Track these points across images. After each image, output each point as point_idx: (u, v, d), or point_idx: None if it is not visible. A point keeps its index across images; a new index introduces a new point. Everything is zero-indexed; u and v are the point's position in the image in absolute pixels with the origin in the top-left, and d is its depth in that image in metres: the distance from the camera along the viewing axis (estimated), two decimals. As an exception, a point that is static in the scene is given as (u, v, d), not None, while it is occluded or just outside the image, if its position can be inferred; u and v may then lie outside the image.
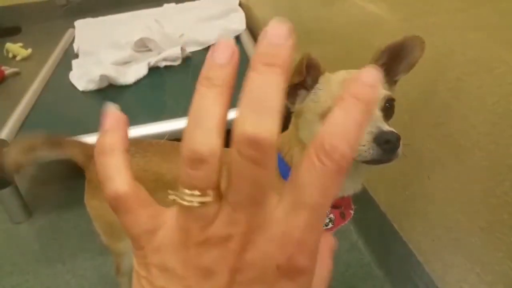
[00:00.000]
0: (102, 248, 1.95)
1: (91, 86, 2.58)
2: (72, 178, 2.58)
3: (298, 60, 0.88)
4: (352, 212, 1.08)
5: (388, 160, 0.83)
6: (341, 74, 0.92)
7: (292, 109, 0.97)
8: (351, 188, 0.99)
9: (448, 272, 1.30)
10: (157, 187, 1.22)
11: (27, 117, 2.35)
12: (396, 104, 0.89)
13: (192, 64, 2.83)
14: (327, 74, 0.92)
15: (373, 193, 1.71)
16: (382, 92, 0.87)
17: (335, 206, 1.02)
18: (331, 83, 0.90)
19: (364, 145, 0.82)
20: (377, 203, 1.64)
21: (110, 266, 1.85)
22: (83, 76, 2.64)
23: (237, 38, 3.04)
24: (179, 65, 2.79)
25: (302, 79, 0.90)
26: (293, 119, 1.00)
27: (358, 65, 0.89)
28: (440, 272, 1.35)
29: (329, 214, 1.02)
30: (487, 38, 0.94)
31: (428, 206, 1.31)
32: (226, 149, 0.31)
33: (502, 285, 1.04)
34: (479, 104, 0.98)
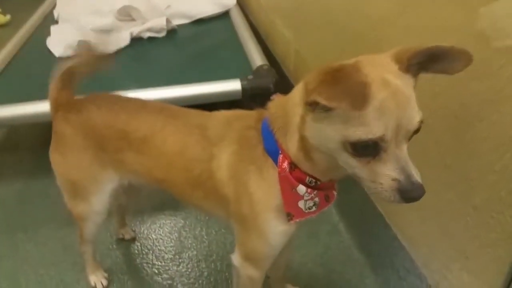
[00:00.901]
0: (68, 218, 1.85)
1: (69, 52, 2.45)
2: (41, 146, 2.46)
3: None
4: (335, 193, 0.99)
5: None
6: (380, 90, 0.71)
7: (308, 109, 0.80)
8: (341, 174, 0.90)
9: (434, 257, 1.23)
10: (121, 146, 1.14)
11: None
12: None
13: (177, 37, 2.73)
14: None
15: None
16: (417, 119, 0.74)
17: (321, 189, 0.94)
18: (368, 104, 0.70)
19: (386, 191, 0.74)
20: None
21: (75, 238, 1.74)
22: (61, 42, 2.51)
23: (227, 13, 2.94)
24: (163, 37, 2.68)
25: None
26: (303, 108, 0.82)
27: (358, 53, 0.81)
28: (425, 258, 1.28)
29: (315, 198, 0.94)
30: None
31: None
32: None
33: (494, 268, 0.97)
34: (482, 68, 0.90)
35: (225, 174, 1.01)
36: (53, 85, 1.23)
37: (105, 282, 1.57)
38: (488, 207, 0.96)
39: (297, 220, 0.95)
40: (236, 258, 1.10)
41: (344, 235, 1.74)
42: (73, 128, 1.18)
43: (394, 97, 0.71)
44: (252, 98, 1.98)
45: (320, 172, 0.89)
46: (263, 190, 0.95)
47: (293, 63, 2.27)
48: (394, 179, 0.73)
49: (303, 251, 1.67)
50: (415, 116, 0.73)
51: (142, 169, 1.15)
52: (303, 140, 0.85)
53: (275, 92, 0.98)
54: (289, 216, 0.94)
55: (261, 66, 2.10)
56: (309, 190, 0.91)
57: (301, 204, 0.93)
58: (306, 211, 0.94)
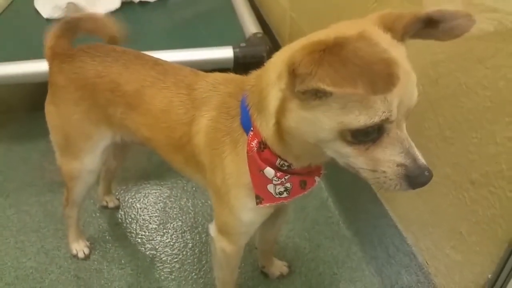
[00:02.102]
0: (52, 185, 1.80)
1: (57, 14, 2.40)
2: (24, 110, 2.40)
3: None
4: (317, 179, 0.90)
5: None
6: None
7: (292, 90, 0.67)
8: (319, 161, 0.84)
9: (426, 235, 1.19)
10: (112, 98, 1.08)
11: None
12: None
13: (169, 2, 2.65)
14: None
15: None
16: (417, 94, 0.67)
17: (296, 173, 0.85)
18: None
19: (392, 179, 0.67)
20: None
21: (58, 205, 1.71)
22: (49, 3, 2.45)
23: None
24: (155, 1, 2.60)
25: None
26: (286, 88, 0.69)
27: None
28: (416, 236, 1.24)
29: (286, 183, 0.85)
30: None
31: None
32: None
33: (489, 247, 0.93)
34: (491, 34, 0.84)
35: (202, 141, 0.95)
36: (51, 32, 1.18)
37: (87, 251, 1.53)
38: (487, 182, 0.91)
39: (267, 204, 0.88)
40: (212, 229, 1.06)
41: (333, 211, 1.70)
42: (66, 78, 1.13)
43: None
44: (244, 66, 1.92)
45: (295, 158, 0.81)
46: (236, 164, 0.88)
47: (288, 31, 2.20)
48: (399, 165, 0.66)
49: (290, 226, 1.64)
50: (415, 91, 0.67)
51: (132, 125, 1.10)
52: (280, 126, 0.75)
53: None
54: (258, 199, 0.87)
55: (254, 34, 2.06)
56: (278, 174, 0.83)
57: (270, 188, 0.85)
58: (277, 196, 0.87)
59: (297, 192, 0.88)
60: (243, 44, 1.98)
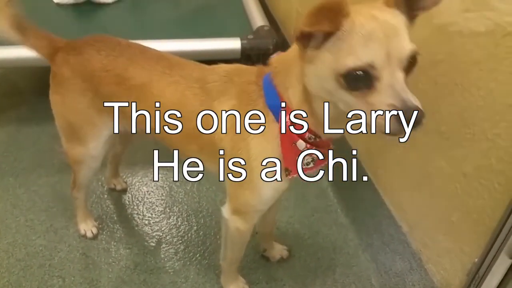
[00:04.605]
0: (60, 166, 1.86)
1: (66, 0, 2.42)
2: (34, 93, 2.44)
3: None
4: (331, 152, 1.00)
5: (405, 134, 0.74)
6: (368, 21, 0.74)
7: (302, 52, 0.82)
8: (340, 127, 0.91)
9: (420, 224, 1.27)
10: (118, 91, 1.13)
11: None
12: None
13: (178, -8, 2.69)
14: (351, 19, 0.74)
15: (349, 138, 1.65)
16: (409, 47, 0.75)
17: (319, 146, 0.95)
18: (354, 34, 0.74)
19: (383, 119, 0.73)
20: (352, 149, 1.59)
21: (66, 185, 1.75)
22: (60, -12, 2.48)
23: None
24: (164, -10, 2.64)
25: (319, 29, 0.75)
26: (300, 58, 0.84)
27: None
28: (411, 225, 1.31)
29: (313, 154, 0.95)
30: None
31: (408, 153, 1.25)
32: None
33: (477, 235, 1.00)
34: (486, 37, 0.91)
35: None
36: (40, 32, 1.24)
37: (95, 231, 1.59)
38: (478, 174, 0.98)
39: (295, 175, 0.97)
40: (226, 211, 1.13)
41: (332, 199, 1.77)
42: (73, 70, 1.17)
43: (381, 27, 0.73)
44: (250, 58, 1.98)
45: (321, 126, 0.90)
46: (261, 145, 0.96)
47: (294, 25, 2.23)
48: (389, 105, 0.73)
49: (291, 212, 1.70)
50: (405, 45, 0.74)
51: (137, 117, 1.15)
52: (305, 90, 0.86)
53: (273, 54, 0.99)
54: (287, 171, 0.96)
55: (261, 27, 2.10)
56: (308, 145, 0.92)
57: (300, 159, 0.95)
58: (304, 167, 0.96)
59: (320, 163, 0.99)
60: (250, 36, 2.02)
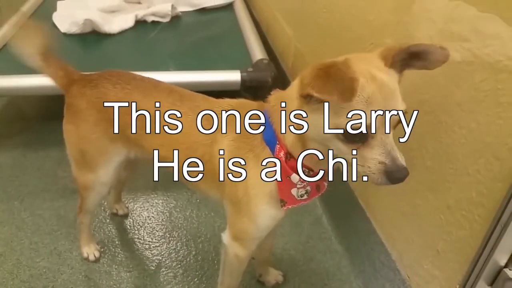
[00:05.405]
0: (64, 191, 1.92)
1: (74, 29, 2.53)
2: (40, 119, 2.52)
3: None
4: (326, 184, 1.09)
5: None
6: (368, 84, 0.80)
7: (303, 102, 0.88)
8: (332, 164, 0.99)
9: (408, 252, 1.32)
10: (131, 121, 1.21)
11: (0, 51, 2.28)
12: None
13: (180, 24, 2.79)
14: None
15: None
16: (402, 108, 0.84)
17: (312, 177, 1.02)
18: (356, 96, 0.78)
19: (374, 173, 0.83)
20: (346, 179, 1.65)
21: (70, 210, 1.82)
22: (67, 18, 2.58)
23: (231, 5, 3.01)
24: (167, 22, 2.75)
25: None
26: (299, 101, 0.89)
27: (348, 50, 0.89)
28: (400, 252, 1.37)
29: (307, 186, 1.03)
30: (480, 13, 0.95)
31: (398, 184, 1.32)
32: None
33: (459, 263, 1.06)
34: (466, 81, 0.99)
35: (224, 157, 1.09)
36: (58, 63, 1.32)
37: (97, 254, 1.65)
38: (460, 206, 1.05)
39: (289, 206, 1.04)
40: (226, 237, 1.19)
41: (326, 227, 1.83)
42: (88, 102, 1.25)
43: (380, 90, 0.81)
44: (249, 90, 2.05)
45: (314, 162, 0.98)
46: (259, 176, 1.04)
47: (292, 59, 2.34)
48: (381, 162, 0.82)
49: (287, 239, 1.76)
50: (398, 107, 0.83)
51: (148, 145, 1.22)
52: (300, 135, 0.94)
53: (272, 86, 1.07)
54: (282, 203, 1.03)
55: (261, 60, 2.18)
56: (301, 179, 1.00)
57: (294, 191, 1.02)
58: (298, 198, 1.04)
59: (314, 194, 1.06)
60: (250, 69, 2.10)
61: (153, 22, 2.73)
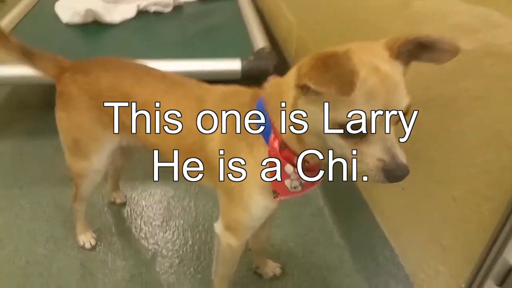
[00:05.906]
0: (63, 179, 1.90)
1: (76, 19, 2.52)
2: (40, 108, 2.51)
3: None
4: (320, 176, 1.03)
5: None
6: (370, 75, 0.74)
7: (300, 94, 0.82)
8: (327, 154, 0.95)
9: (413, 247, 1.28)
10: (124, 108, 1.18)
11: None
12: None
13: (182, 13, 2.76)
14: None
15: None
16: (405, 101, 0.77)
17: (308, 170, 0.98)
18: (357, 88, 0.71)
19: (372, 170, 0.78)
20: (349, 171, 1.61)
21: (67, 197, 1.79)
22: (69, 8, 2.57)
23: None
24: (169, 12, 2.73)
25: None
26: (295, 90, 0.84)
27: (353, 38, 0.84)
28: (404, 247, 1.33)
29: (301, 178, 0.98)
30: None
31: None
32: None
33: (466, 259, 1.02)
34: (474, 65, 0.95)
35: (216, 146, 1.05)
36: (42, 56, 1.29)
37: (93, 242, 1.63)
38: (467, 199, 1.00)
39: (282, 198, 1.00)
40: (218, 227, 1.16)
41: (328, 219, 1.79)
42: (80, 89, 1.23)
43: (382, 82, 0.74)
44: (250, 79, 2.02)
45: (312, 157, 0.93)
46: (252, 166, 1.00)
47: (295, 48, 2.30)
48: (379, 159, 0.76)
49: (286, 230, 1.73)
50: (402, 101, 0.77)
51: (140, 132, 1.19)
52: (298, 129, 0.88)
53: (274, 75, 1.02)
54: (275, 194, 0.99)
55: (262, 49, 2.15)
56: (296, 170, 0.95)
57: (287, 183, 0.97)
58: (292, 190, 0.99)
59: (308, 186, 1.01)
60: (251, 58, 2.07)
61: (155, 12, 2.71)
